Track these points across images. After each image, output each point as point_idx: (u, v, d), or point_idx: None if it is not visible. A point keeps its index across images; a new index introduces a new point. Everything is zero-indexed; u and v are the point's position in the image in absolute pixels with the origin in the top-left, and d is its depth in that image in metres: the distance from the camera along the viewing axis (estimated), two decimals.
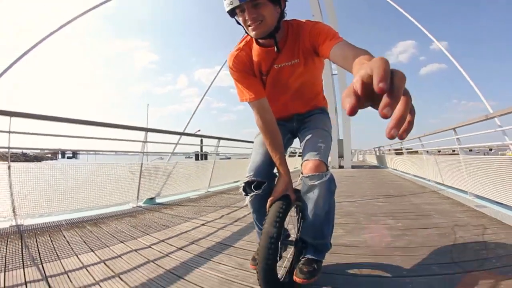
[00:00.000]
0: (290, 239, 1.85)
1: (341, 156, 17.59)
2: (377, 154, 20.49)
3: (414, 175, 9.40)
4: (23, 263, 2.08)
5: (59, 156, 61.50)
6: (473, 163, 4.64)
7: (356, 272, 2.03)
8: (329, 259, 2.04)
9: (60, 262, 2.13)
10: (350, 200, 5.07)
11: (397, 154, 12.50)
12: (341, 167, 17.03)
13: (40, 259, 2.17)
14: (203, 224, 3.35)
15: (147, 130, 4.85)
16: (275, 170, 1.74)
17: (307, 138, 1.71)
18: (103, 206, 3.97)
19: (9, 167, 3.02)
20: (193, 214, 3.97)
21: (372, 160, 22.95)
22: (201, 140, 8.38)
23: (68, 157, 64.46)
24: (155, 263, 2.16)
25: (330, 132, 1.80)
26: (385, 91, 0.43)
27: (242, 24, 1.46)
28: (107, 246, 2.53)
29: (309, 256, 1.68)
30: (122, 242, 2.64)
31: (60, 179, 3.54)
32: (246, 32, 1.51)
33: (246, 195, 1.72)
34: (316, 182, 1.50)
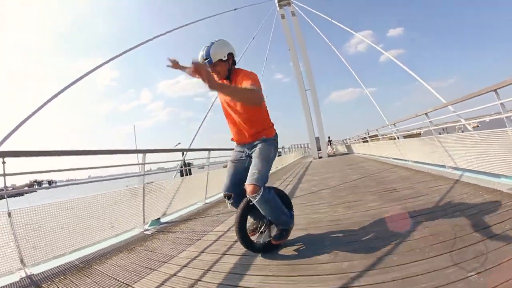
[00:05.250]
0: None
1: (319, 149, 20.50)
2: (346, 144, 23.75)
3: (370, 154, 12.58)
4: None
5: (36, 186, 53.60)
6: (409, 142, 7.23)
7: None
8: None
9: None
10: (330, 173, 8.03)
11: (364, 142, 15.01)
12: (320, 157, 19.70)
13: None
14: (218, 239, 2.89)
15: (145, 151, 4.19)
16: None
17: (250, 166, 2.20)
18: (110, 236, 3.34)
19: (9, 214, 2.50)
20: (204, 227, 3.52)
21: (343, 149, 25.92)
22: (183, 153, 7.96)
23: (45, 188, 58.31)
24: None
25: (267, 156, 2.24)
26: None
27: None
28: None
29: (278, 227, 2.30)
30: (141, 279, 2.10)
31: (61, 216, 2.89)
32: None
33: (226, 201, 2.35)
34: (254, 200, 2.05)
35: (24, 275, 2.46)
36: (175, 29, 11.29)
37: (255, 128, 2.31)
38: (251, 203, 2.12)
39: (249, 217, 2.30)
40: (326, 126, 20.80)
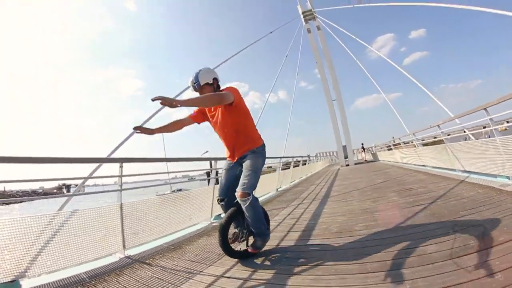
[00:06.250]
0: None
1: (346, 157, 21.18)
2: (372, 152, 24.31)
3: (394, 161, 13.30)
4: None
5: (64, 190, 56.86)
6: (426, 150, 8.20)
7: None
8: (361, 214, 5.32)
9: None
10: (358, 178, 8.96)
11: (388, 149, 15.87)
12: (347, 165, 20.35)
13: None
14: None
15: (215, 159, 5.01)
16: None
17: (241, 176, 2.47)
18: (185, 227, 3.90)
19: (121, 206, 3.04)
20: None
21: (369, 157, 26.43)
22: (210, 163, 8.59)
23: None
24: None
25: (256, 166, 2.50)
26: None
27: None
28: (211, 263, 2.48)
29: (256, 237, 2.49)
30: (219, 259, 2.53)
31: (155, 209, 3.49)
32: None
33: (219, 203, 2.63)
34: (243, 203, 2.38)
35: (122, 255, 2.96)
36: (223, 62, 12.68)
37: (244, 137, 2.57)
38: (233, 214, 2.49)
39: (232, 227, 2.58)
40: (352, 133, 21.37)
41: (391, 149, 14.61)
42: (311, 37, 22.25)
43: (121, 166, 3.22)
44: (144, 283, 2.17)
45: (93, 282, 2.29)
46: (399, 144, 12.57)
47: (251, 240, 2.59)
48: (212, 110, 2.61)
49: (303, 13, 22.39)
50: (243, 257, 2.47)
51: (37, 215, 2.49)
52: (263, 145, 2.69)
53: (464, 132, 5.61)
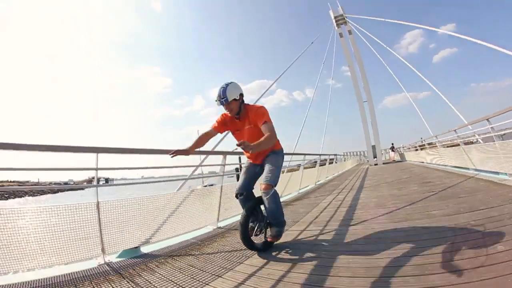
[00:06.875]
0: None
1: (375, 156, 21.96)
2: (400, 152, 25.00)
3: (419, 161, 14.29)
4: None
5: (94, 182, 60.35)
6: (446, 151, 9.38)
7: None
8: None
9: None
10: (386, 175, 10.18)
11: (415, 150, 16.73)
12: (375, 164, 21.04)
13: None
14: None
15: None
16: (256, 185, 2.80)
17: (264, 171, 2.64)
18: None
19: (221, 188, 3.37)
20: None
21: (396, 157, 27.00)
22: (239, 158, 7.92)
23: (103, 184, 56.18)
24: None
25: (278, 164, 2.70)
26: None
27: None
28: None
29: (275, 228, 2.64)
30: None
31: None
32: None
33: (237, 197, 2.77)
34: (266, 195, 2.51)
35: (215, 226, 3.84)
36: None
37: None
38: (253, 207, 2.66)
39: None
40: (380, 132, 21.84)
41: (417, 150, 15.51)
42: (343, 41, 22.76)
43: (224, 157, 4.15)
44: (233, 246, 2.95)
45: (203, 243, 3.16)
46: (423, 145, 13.52)
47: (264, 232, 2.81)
48: (238, 125, 2.79)
49: (335, 17, 23.08)
50: (263, 250, 2.63)
51: (159, 194, 3.30)
52: (282, 149, 2.96)
53: (475, 136, 6.75)
